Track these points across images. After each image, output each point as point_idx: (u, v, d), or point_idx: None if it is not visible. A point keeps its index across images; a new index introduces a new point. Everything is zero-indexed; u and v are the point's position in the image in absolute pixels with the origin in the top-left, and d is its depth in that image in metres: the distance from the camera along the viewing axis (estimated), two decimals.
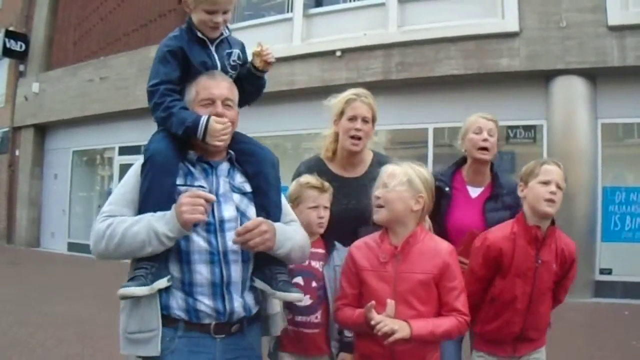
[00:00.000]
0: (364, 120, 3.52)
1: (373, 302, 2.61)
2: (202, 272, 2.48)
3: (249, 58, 2.86)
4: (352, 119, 3.52)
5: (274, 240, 2.51)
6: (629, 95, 10.56)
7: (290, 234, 2.67)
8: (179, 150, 2.58)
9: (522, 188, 3.22)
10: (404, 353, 2.69)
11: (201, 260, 2.48)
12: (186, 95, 2.64)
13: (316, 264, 3.24)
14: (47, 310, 9.05)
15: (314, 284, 3.21)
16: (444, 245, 2.86)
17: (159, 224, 2.37)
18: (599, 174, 10.79)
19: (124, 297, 2.39)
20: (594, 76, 10.72)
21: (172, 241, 2.40)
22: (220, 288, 2.49)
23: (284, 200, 2.83)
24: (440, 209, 3.68)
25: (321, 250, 3.27)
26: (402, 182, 2.78)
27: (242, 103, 2.81)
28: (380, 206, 2.79)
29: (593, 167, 10.73)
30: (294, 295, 2.58)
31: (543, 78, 10.99)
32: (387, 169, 2.86)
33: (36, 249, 19.52)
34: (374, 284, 2.75)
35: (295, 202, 3.26)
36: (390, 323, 2.57)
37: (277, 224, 2.59)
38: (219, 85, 2.62)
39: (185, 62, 2.65)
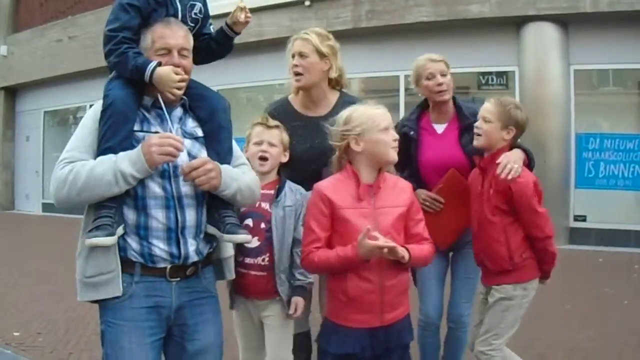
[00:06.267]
0: (301, 55, 3.54)
1: (369, 227, 2.62)
2: (158, 217, 2.50)
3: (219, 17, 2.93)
4: (292, 57, 3.57)
5: (219, 179, 2.53)
6: (601, 41, 10.49)
7: (237, 174, 2.68)
8: (137, 98, 2.56)
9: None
10: (391, 287, 2.78)
11: (157, 206, 2.50)
12: (141, 42, 2.60)
13: (266, 205, 3.24)
14: (20, 270, 9.06)
15: (262, 225, 3.22)
16: (403, 181, 3.04)
17: (124, 165, 2.37)
18: (572, 121, 10.81)
19: (93, 247, 2.39)
20: (566, 22, 10.63)
21: (136, 181, 2.42)
22: (175, 233, 2.52)
23: (235, 144, 2.84)
24: (409, 153, 3.79)
25: (272, 192, 3.27)
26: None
27: (206, 61, 2.87)
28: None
29: (566, 114, 10.74)
30: (241, 237, 2.63)
31: (514, 24, 10.88)
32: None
33: (11, 211, 19.46)
34: (356, 221, 2.75)
35: (247, 142, 3.38)
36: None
37: (223, 166, 2.60)
38: (175, 35, 2.57)
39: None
